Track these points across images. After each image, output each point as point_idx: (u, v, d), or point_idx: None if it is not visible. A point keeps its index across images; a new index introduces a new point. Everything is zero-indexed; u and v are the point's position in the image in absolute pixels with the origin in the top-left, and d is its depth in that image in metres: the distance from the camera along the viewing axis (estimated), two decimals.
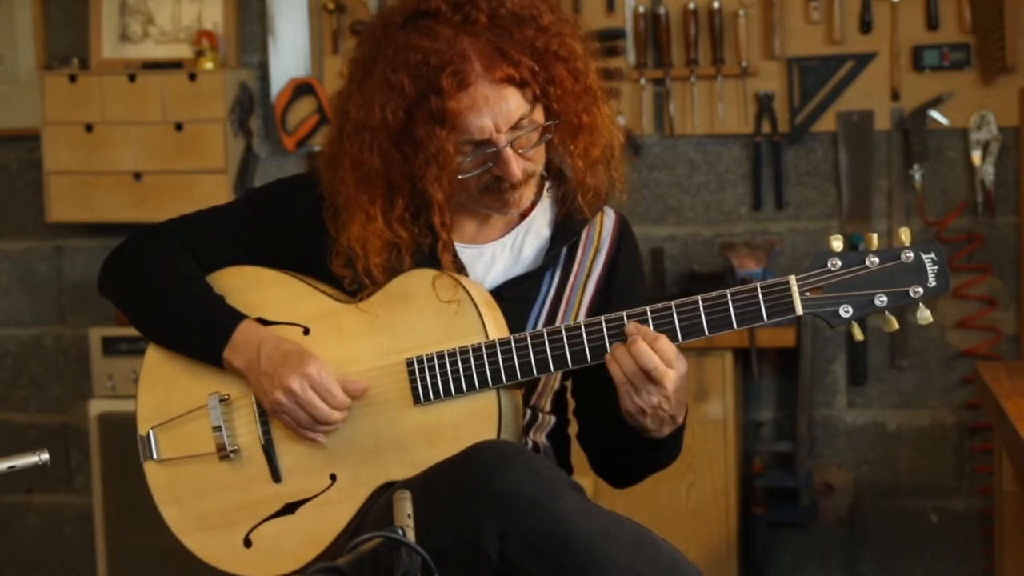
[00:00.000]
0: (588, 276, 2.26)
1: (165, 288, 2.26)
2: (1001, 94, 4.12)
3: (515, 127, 2.11)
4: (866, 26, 4.18)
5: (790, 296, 2.05)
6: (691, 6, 4.20)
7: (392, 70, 2.09)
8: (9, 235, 4.61)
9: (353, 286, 2.20)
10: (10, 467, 1.98)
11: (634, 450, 2.19)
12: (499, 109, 2.08)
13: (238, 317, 2.22)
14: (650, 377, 2.04)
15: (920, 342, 4.22)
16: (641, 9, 4.24)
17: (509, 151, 2.11)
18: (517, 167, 2.12)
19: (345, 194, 2.17)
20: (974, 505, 4.24)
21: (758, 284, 2.05)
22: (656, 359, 2.03)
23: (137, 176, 4.29)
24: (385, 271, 2.17)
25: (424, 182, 2.12)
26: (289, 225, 2.27)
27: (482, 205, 2.20)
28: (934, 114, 4.16)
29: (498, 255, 2.26)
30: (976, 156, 4.15)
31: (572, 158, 2.20)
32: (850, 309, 2.05)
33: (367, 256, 2.16)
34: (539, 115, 2.14)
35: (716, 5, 4.19)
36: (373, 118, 2.11)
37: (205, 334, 2.23)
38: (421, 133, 2.09)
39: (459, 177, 2.12)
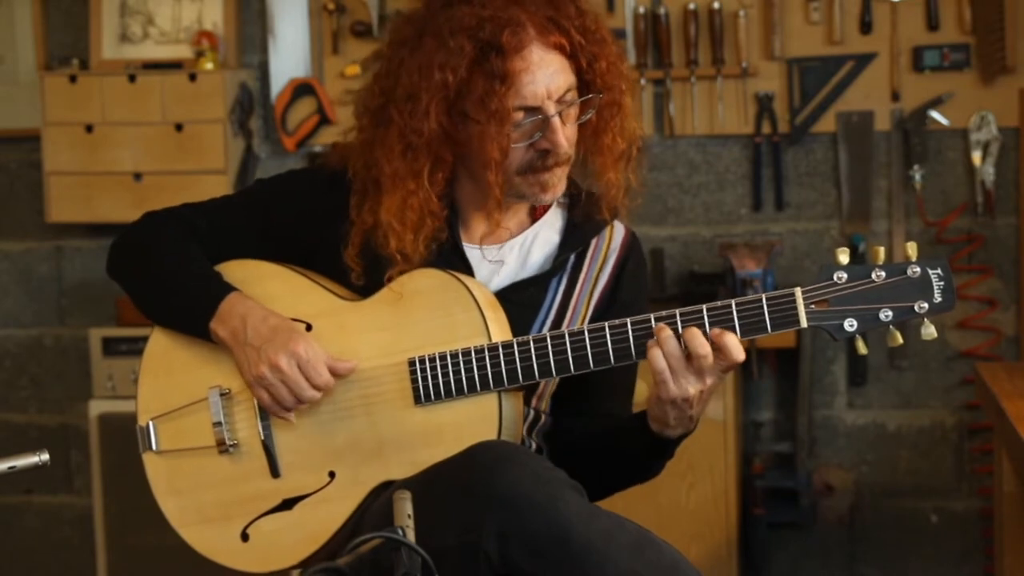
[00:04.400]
0: (594, 286, 2.27)
1: (163, 263, 2.27)
2: (1001, 94, 4.12)
3: (561, 100, 2.14)
4: (866, 26, 4.18)
5: (795, 308, 2.04)
6: (691, 6, 4.20)
7: (449, 34, 2.12)
8: (9, 235, 4.61)
9: (360, 280, 2.20)
10: (10, 467, 1.98)
11: (631, 456, 2.19)
12: (550, 74, 2.13)
13: (227, 289, 2.22)
14: (693, 365, 2.03)
15: (920, 343, 4.22)
16: (641, 9, 4.24)
17: (557, 120, 2.13)
18: (563, 137, 2.14)
19: (388, 169, 2.17)
20: (974, 505, 4.24)
21: (763, 296, 2.05)
22: (708, 347, 2.02)
23: (137, 176, 4.29)
24: (419, 252, 2.17)
25: (484, 141, 2.12)
26: (299, 216, 2.27)
27: (517, 192, 2.19)
28: (934, 114, 4.16)
29: (506, 258, 2.26)
30: (976, 156, 4.15)
31: (599, 153, 2.22)
32: (855, 323, 2.05)
33: (404, 232, 2.16)
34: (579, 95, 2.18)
35: (716, 5, 4.19)
36: (430, 80, 2.12)
37: (193, 305, 2.23)
38: (481, 91, 2.11)
39: (510, 146, 2.14)
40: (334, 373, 2.17)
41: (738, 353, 2.03)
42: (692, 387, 2.05)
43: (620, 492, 2.29)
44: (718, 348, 2.03)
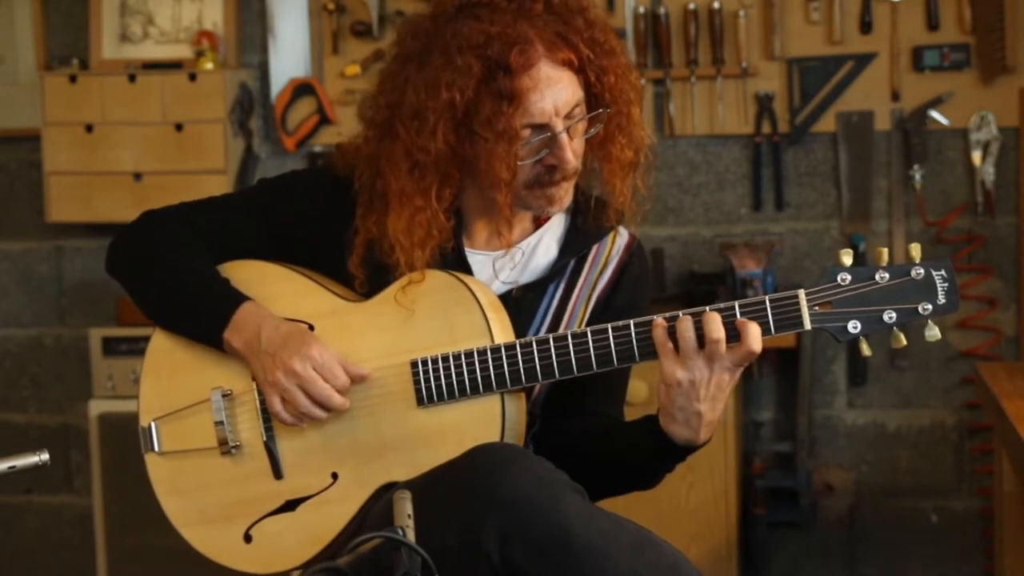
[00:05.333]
0: (592, 290, 2.27)
1: (170, 267, 2.26)
2: (1001, 94, 4.12)
3: (569, 116, 2.13)
4: (866, 26, 4.18)
5: (799, 310, 2.04)
6: (691, 6, 4.20)
7: (457, 52, 2.10)
8: (9, 235, 4.61)
9: (364, 288, 2.20)
10: (10, 467, 1.98)
11: (631, 458, 2.18)
12: (558, 92, 2.11)
13: (240, 299, 2.21)
14: (704, 350, 2.03)
15: (920, 343, 4.20)
16: (641, 9, 4.24)
17: (565, 137, 2.13)
18: (571, 154, 2.13)
19: (394, 185, 2.16)
20: (974, 505, 4.24)
21: (767, 298, 2.04)
22: (721, 332, 2.02)
23: (137, 176, 4.29)
24: (424, 265, 2.16)
25: (491, 160, 2.11)
26: (303, 217, 2.27)
27: (525, 203, 2.19)
28: (934, 114, 4.16)
29: (507, 263, 2.26)
30: (976, 156, 4.15)
31: (607, 161, 2.21)
32: (858, 325, 2.05)
33: (411, 249, 2.15)
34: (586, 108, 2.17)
35: (716, 5, 4.19)
36: (436, 100, 2.11)
37: (206, 315, 2.22)
38: (488, 111, 2.10)
39: (517, 164, 2.13)
40: (348, 375, 2.16)
41: (756, 343, 2.02)
42: (698, 372, 2.04)
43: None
44: (739, 335, 2.02)
